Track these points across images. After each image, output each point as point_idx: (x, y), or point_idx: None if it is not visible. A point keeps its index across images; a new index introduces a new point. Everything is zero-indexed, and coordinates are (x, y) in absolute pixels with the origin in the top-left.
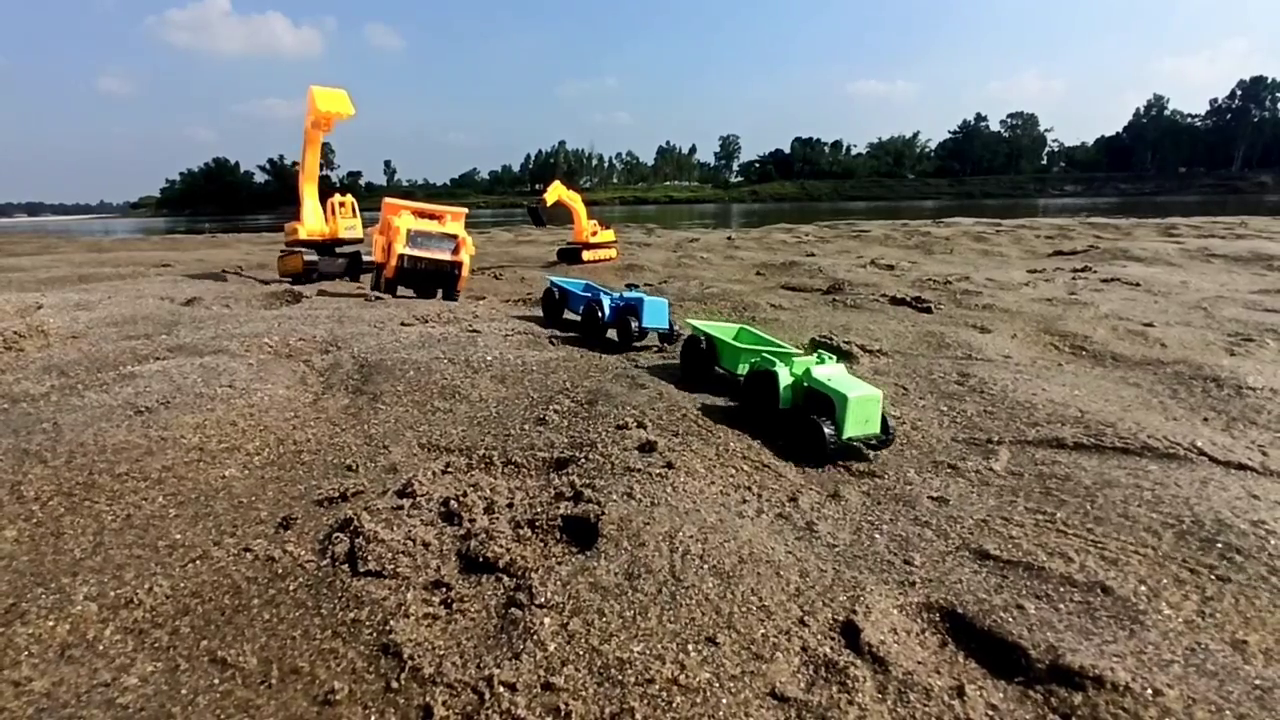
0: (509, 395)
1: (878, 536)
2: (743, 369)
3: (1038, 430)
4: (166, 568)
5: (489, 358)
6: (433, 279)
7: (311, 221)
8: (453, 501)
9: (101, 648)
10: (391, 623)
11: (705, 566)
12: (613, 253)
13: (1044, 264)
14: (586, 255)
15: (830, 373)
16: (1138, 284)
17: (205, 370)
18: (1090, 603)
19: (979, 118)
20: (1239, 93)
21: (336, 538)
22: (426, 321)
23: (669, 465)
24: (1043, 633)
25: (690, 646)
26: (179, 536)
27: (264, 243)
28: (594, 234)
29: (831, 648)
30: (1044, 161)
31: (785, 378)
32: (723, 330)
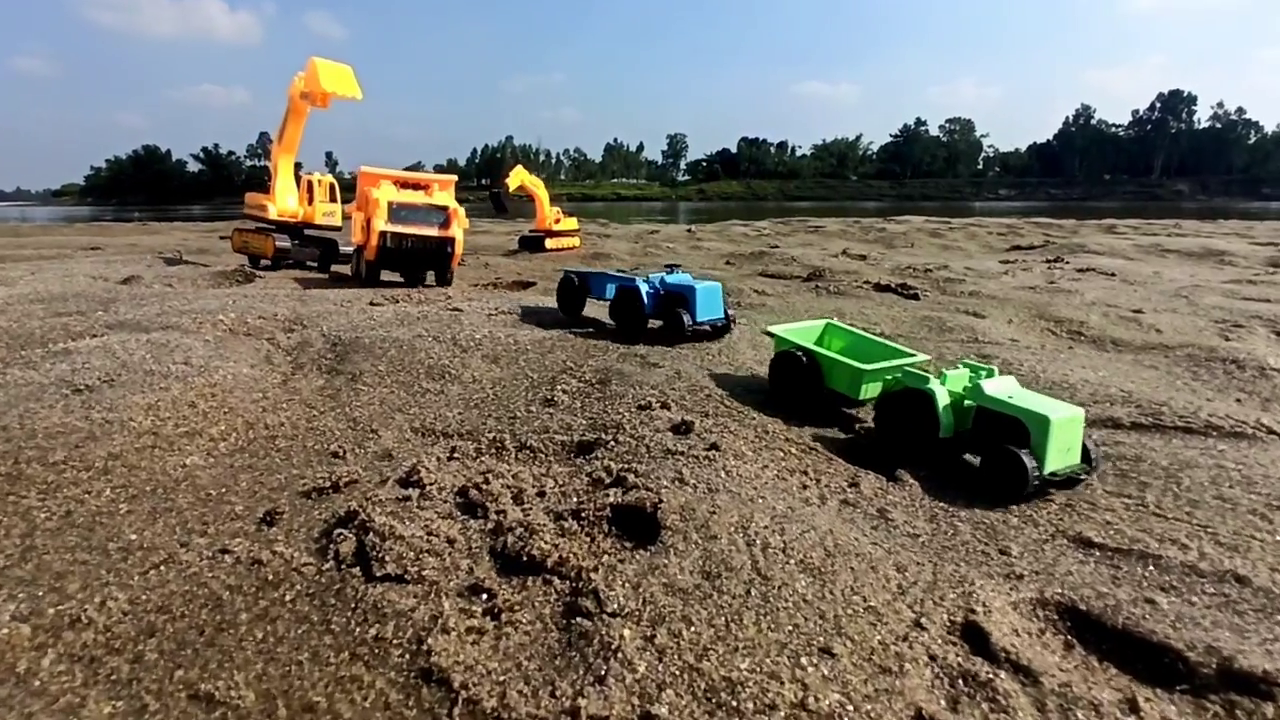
0: (505, 376)
1: (960, 525)
2: (869, 391)
3: (1088, 410)
4: (121, 576)
5: (477, 336)
6: (421, 259)
7: (285, 200)
8: (471, 491)
9: (38, 683)
10: (428, 640)
11: (791, 561)
12: (576, 241)
13: (1011, 256)
14: (549, 243)
15: (1008, 389)
16: (1113, 274)
17: (154, 346)
18: (1228, 595)
19: (919, 122)
20: (1158, 105)
21: (339, 535)
22: (398, 301)
23: (714, 447)
24: (1191, 631)
25: (804, 660)
26: (134, 537)
27: (201, 230)
28: (557, 221)
29: (961, 655)
30: (980, 166)
31: (943, 397)
32: (807, 333)
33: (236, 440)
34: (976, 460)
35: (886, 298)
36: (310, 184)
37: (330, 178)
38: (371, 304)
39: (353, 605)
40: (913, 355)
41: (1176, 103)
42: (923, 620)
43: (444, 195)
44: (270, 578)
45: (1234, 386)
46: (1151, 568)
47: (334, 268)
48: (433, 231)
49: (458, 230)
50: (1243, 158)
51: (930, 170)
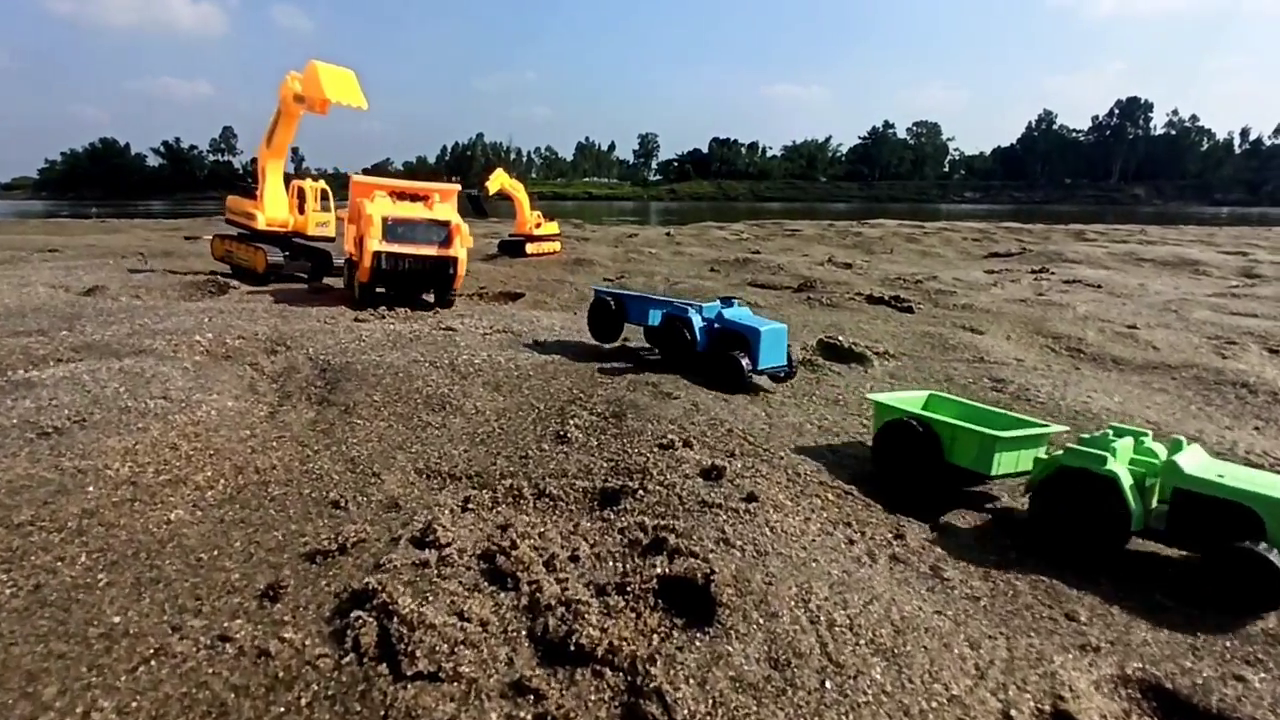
0: (510, 406)
1: (1018, 584)
2: (1003, 464)
3: None
4: (106, 675)
5: (476, 360)
6: (420, 280)
7: (274, 208)
8: (498, 556)
9: None
10: None
11: (861, 642)
12: (557, 246)
13: (993, 265)
14: (530, 248)
15: (1211, 465)
16: (1099, 286)
17: (128, 377)
18: None
19: (887, 124)
20: (1117, 111)
21: (358, 619)
22: (385, 318)
23: (751, 497)
24: None
25: None
26: (118, 619)
27: (164, 230)
28: (538, 225)
29: None
30: (946, 169)
31: (1127, 478)
32: (909, 402)
33: (225, 488)
34: (1176, 553)
35: (881, 311)
36: (301, 190)
37: (322, 183)
38: (358, 320)
39: (382, 712)
40: (1044, 426)
41: (1134, 109)
42: (1011, 712)
43: (445, 208)
44: (281, 674)
45: (1249, 413)
46: (1232, 637)
47: (326, 280)
48: (432, 250)
49: (461, 249)
50: (1196, 164)
51: (898, 172)
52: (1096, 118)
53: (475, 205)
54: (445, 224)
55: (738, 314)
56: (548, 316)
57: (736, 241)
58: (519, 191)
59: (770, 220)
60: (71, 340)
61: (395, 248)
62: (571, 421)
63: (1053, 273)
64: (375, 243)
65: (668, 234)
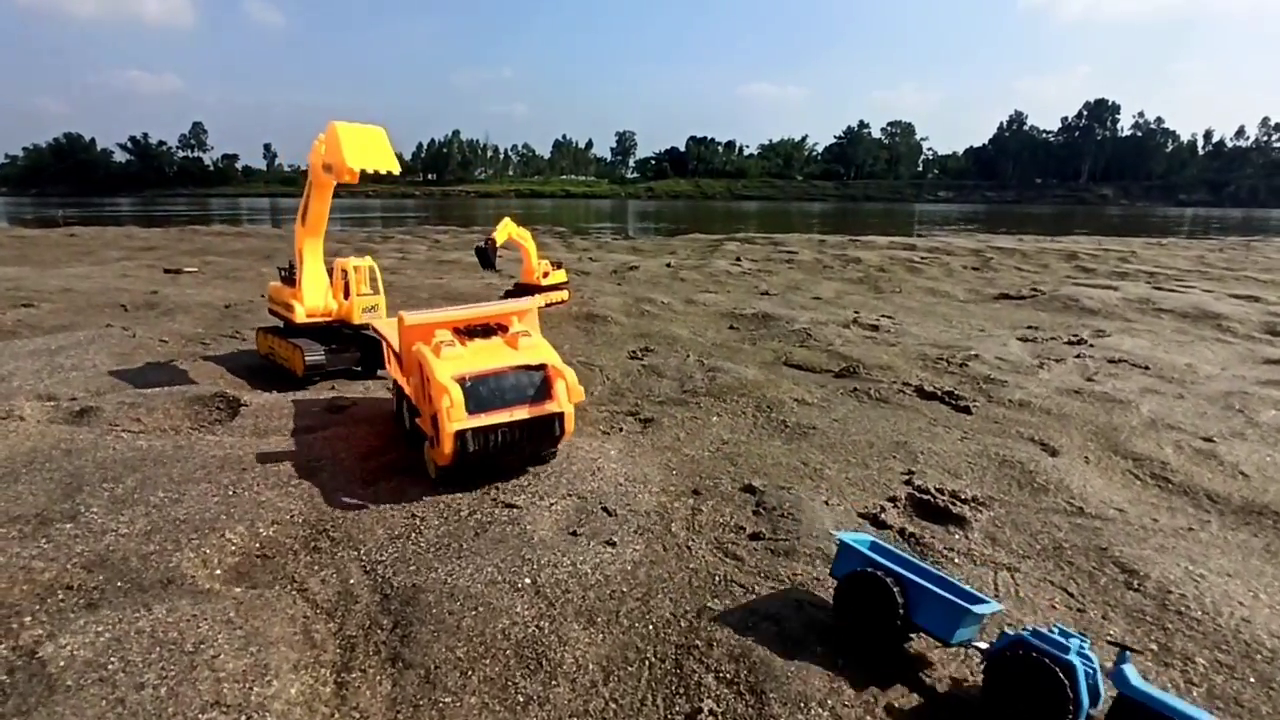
0: (614, 654)
1: None
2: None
3: None
4: None
5: (559, 574)
6: (517, 449)
7: (314, 295)
8: None
9: None
10: None
11: None
12: (565, 295)
13: (1017, 324)
14: (539, 299)
15: (1147, 686)
16: (1146, 367)
17: (164, 652)
18: None
19: (862, 124)
20: (1085, 113)
21: None
22: (439, 490)
23: None
24: None
25: None
26: None
27: (137, 248)
28: (545, 275)
29: None
30: (920, 168)
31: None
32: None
33: None
34: None
35: (938, 411)
36: (345, 272)
37: (369, 261)
38: (404, 499)
39: None
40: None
41: (1102, 111)
42: None
43: (531, 342)
44: None
45: None
46: None
47: (380, 373)
48: (529, 412)
49: (565, 400)
50: (1161, 165)
51: (872, 171)
52: (1066, 119)
53: (483, 258)
54: (540, 367)
55: (1145, 687)
56: (602, 451)
57: (740, 275)
58: (527, 240)
59: (760, 235)
60: (82, 550)
61: (482, 419)
62: (700, 694)
63: (1091, 344)
64: (457, 420)
65: (668, 265)
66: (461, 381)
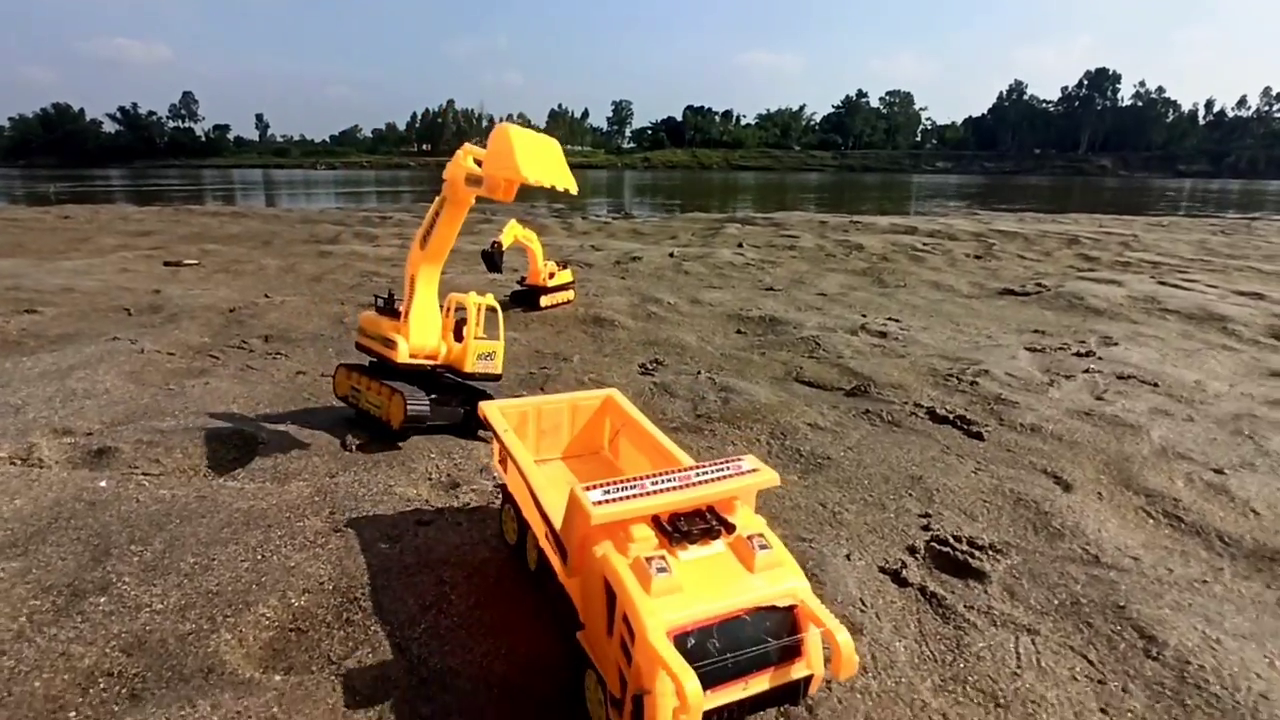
0: None
1: None
2: None
3: None
4: None
5: None
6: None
7: (421, 333)
8: None
9: None
10: None
11: None
12: (570, 295)
13: (1023, 328)
14: (544, 300)
15: None
16: (1155, 384)
17: None
18: None
19: (860, 94)
20: (1085, 82)
21: None
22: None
23: None
24: None
25: None
26: None
27: (134, 232)
28: (551, 276)
29: None
30: (918, 138)
31: None
32: None
33: None
34: None
35: (950, 437)
36: (462, 308)
37: (491, 300)
38: (433, 558)
39: None
40: None
41: (1102, 80)
42: None
43: (771, 558)
44: None
45: None
46: None
47: (482, 433)
48: (768, 681)
49: (816, 658)
50: (1161, 135)
51: (870, 141)
52: (1066, 88)
53: (489, 262)
54: (789, 610)
55: None
56: None
57: (743, 268)
58: (533, 242)
59: (760, 215)
60: (118, 630)
61: (713, 696)
62: None
63: (1099, 357)
64: (672, 696)
65: (670, 254)
66: (683, 640)
